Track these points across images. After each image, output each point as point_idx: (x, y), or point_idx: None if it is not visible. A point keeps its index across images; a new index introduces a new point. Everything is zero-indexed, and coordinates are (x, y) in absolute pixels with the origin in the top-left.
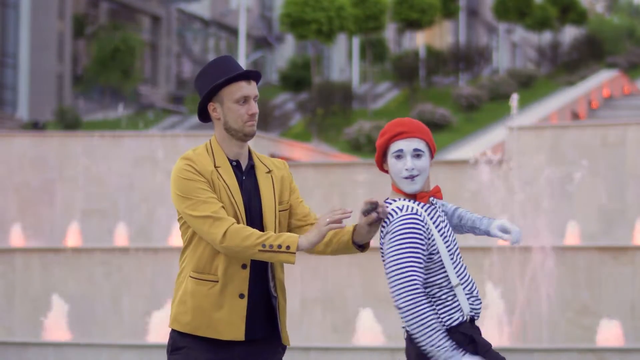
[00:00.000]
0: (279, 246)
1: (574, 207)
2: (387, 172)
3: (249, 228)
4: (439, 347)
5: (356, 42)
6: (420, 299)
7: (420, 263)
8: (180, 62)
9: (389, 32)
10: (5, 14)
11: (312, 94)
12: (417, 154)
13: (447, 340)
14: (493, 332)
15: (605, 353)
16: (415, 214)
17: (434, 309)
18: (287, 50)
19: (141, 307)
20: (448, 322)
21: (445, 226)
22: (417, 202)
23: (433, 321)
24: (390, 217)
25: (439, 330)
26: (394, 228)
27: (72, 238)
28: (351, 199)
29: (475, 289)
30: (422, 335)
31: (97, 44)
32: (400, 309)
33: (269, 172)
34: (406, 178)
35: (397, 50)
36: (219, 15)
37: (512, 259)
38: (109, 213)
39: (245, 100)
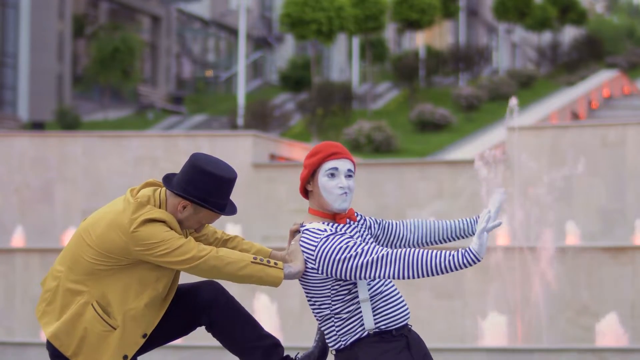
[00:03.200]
0: (268, 261)
1: (574, 207)
2: (305, 195)
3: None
4: (447, 260)
5: (356, 42)
6: (392, 254)
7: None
8: (180, 62)
9: (389, 32)
10: (5, 14)
11: (312, 94)
12: (349, 174)
13: (445, 253)
14: (493, 332)
15: (605, 353)
16: (335, 230)
17: (407, 248)
18: (287, 51)
19: None
20: (348, 340)
21: (364, 240)
22: (333, 225)
23: (419, 254)
24: (315, 237)
25: (430, 254)
26: (323, 244)
27: None
28: None
29: (397, 299)
30: (429, 269)
31: (97, 44)
32: (398, 276)
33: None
34: (341, 195)
35: (397, 50)
36: (219, 15)
37: (512, 259)
38: None
39: (209, 222)
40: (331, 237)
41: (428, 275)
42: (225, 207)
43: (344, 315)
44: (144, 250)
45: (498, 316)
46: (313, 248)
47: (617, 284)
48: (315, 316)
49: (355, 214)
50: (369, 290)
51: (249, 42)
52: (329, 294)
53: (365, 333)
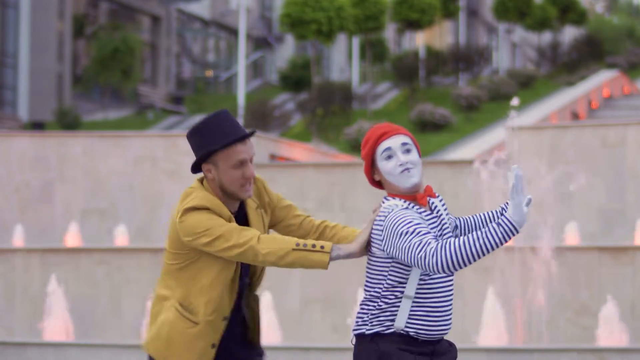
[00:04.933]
0: (313, 245)
1: (574, 207)
2: (378, 185)
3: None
4: (486, 240)
5: (356, 42)
6: (445, 247)
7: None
8: (180, 62)
9: (389, 32)
10: (5, 14)
11: (312, 94)
12: (406, 148)
13: (488, 230)
14: (493, 332)
15: (605, 353)
16: (410, 208)
17: (458, 239)
18: (287, 51)
19: (141, 307)
20: (372, 329)
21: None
22: (414, 206)
23: (467, 241)
24: (389, 209)
25: (475, 238)
26: (393, 218)
27: (72, 238)
28: (351, 199)
29: (443, 313)
30: (473, 254)
31: (97, 44)
32: (456, 265)
33: (258, 207)
34: (402, 172)
35: (397, 50)
36: (219, 15)
37: (513, 259)
38: (109, 213)
39: (241, 163)
40: (404, 210)
41: (470, 262)
42: (230, 136)
43: (386, 301)
44: (193, 240)
45: (498, 316)
46: (384, 218)
47: (617, 284)
48: (365, 294)
49: (436, 195)
50: (418, 289)
51: (249, 42)
52: (386, 274)
53: (391, 330)
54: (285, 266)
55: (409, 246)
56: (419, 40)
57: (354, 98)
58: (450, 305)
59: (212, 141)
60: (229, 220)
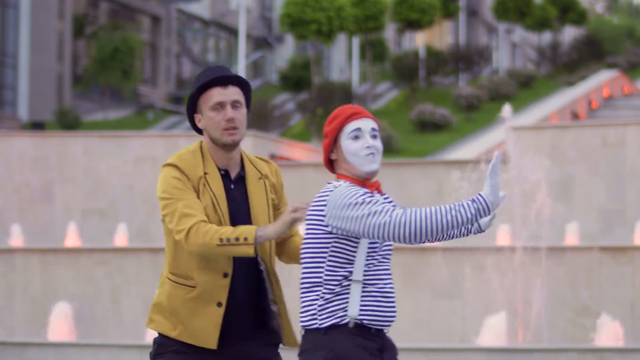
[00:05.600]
0: (237, 239)
1: (574, 207)
2: (330, 166)
3: (212, 225)
4: (458, 213)
5: (356, 42)
6: (415, 213)
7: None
8: (180, 62)
9: (389, 32)
10: (5, 14)
11: (312, 94)
12: (374, 134)
13: (461, 205)
14: (493, 332)
15: (605, 353)
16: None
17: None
18: (287, 51)
19: (141, 307)
20: (325, 322)
21: None
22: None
23: (439, 210)
24: (333, 187)
25: (447, 210)
26: (341, 192)
27: (72, 238)
28: None
29: (390, 298)
30: (443, 225)
31: (97, 44)
32: (422, 235)
33: (261, 177)
34: (368, 155)
35: (397, 50)
36: (219, 15)
37: (513, 259)
38: (109, 213)
39: (220, 106)
40: (353, 186)
41: (438, 235)
42: (207, 79)
43: (330, 291)
44: (159, 200)
45: (498, 316)
46: (328, 194)
47: (617, 284)
48: (304, 283)
49: (383, 193)
50: (365, 274)
51: (249, 42)
52: (325, 257)
53: (346, 321)
54: (215, 257)
55: (367, 213)
56: (419, 40)
57: (354, 98)
58: (394, 291)
59: (194, 88)
60: (198, 182)
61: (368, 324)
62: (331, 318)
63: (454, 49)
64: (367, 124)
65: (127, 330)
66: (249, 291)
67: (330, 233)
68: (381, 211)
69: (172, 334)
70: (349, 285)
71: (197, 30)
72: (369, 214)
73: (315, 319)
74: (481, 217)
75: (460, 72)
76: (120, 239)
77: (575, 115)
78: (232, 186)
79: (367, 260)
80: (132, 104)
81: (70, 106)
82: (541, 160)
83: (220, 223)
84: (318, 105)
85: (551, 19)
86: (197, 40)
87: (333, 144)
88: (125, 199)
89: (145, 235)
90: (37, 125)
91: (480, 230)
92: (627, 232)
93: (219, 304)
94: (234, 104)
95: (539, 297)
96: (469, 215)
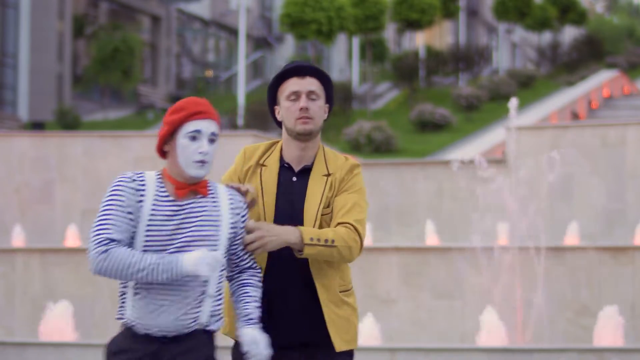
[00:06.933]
0: None
1: (574, 207)
2: (163, 155)
3: None
4: (150, 274)
5: (356, 42)
6: (105, 250)
7: (115, 218)
8: (180, 62)
9: (389, 32)
10: (5, 14)
11: None
12: (212, 138)
13: (153, 264)
14: (493, 332)
15: (605, 353)
16: (126, 176)
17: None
18: (287, 51)
19: None
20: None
21: (179, 225)
22: (164, 188)
23: (130, 262)
24: None
25: (139, 262)
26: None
27: (72, 238)
28: None
29: (186, 308)
30: (134, 275)
31: (97, 44)
32: (98, 271)
33: (327, 175)
34: (197, 162)
35: (397, 50)
36: (219, 15)
37: (512, 259)
38: None
39: (295, 96)
40: (109, 195)
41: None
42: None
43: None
44: None
45: (498, 316)
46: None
47: (617, 284)
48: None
49: (210, 188)
50: (138, 282)
51: (249, 42)
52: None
53: (124, 320)
54: None
55: (92, 227)
56: (419, 40)
57: (354, 98)
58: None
59: (272, 79)
60: (248, 168)
61: (136, 331)
62: (121, 318)
63: (454, 49)
64: (208, 127)
65: None
66: (290, 284)
67: None
68: (93, 238)
69: (225, 330)
70: (126, 287)
71: (197, 30)
72: (91, 230)
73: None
74: (170, 275)
75: (460, 72)
76: None
77: (575, 115)
78: (295, 179)
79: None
80: (132, 104)
81: (70, 106)
82: (541, 160)
83: (257, 215)
84: None
85: (551, 19)
86: (197, 40)
87: (169, 137)
88: None
89: None
90: (37, 125)
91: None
92: (627, 232)
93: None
94: (310, 95)
95: (539, 297)
96: (160, 279)
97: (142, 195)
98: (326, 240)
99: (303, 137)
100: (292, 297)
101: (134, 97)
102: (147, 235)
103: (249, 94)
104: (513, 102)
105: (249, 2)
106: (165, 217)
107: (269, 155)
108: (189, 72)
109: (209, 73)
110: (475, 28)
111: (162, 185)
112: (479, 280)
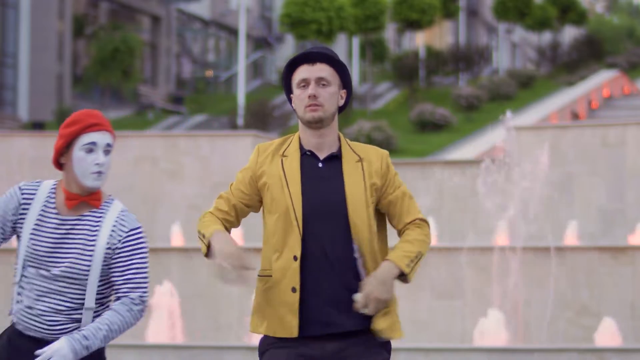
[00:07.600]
0: (203, 235)
1: (574, 207)
2: (60, 167)
3: (211, 216)
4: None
5: (356, 42)
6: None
7: None
8: (180, 62)
9: (389, 32)
10: (5, 14)
11: None
12: (107, 149)
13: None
14: (493, 332)
15: (605, 353)
16: (18, 185)
17: None
18: (287, 51)
19: None
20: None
21: (59, 244)
22: (54, 201)
23: None
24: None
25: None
26: None
27: None
28: None
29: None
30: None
31: (97, 44)
32: None
33: (359, 160)
34: (93, 173)
35: (397, 50)
36: (219, 15)
37: (512, 259)
38: None
39: (305, 83)
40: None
41: None
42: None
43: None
44: None
45: (498, 316)
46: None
47: (617, 284)
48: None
49: (107, 202)
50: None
51: (249, 42)
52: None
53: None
54: None
55: None
56: (419, 40)
57: (354, 98)
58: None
59: (284, 68)
60: (272, 156)
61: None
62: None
63: (454, 49)
64: (103, 139)
65: (127, 330)
66: (329, 274)
67: None
68: None
69: (261, 330)
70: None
71: (197, 30)
72: None
73: None
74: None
75: (460, 72)
76: None
77: (575, 115)
78: (321, 165)
79: (35, 265)
80: (132, 104)
81: (70, 106)
82: (541, 160)
83: (286, 207)
84: None
85: (551, 19)
86: (197, 40)
87: (65, 149)
88: (125, 199)
89: (145, 235)
90: (37, 125)
91: None
92: (627, 232)
93: (293, 290)
94: (319, 81)
95: (539, 297)
96: None
97: (26, 205)
98: (417, 255)
99: (314, 124)
100: (327, 288)
101: (134, 97)
102: (29, 247)
103: (249, 94)
104: (508, 116)
105: (249, 2)
106: (47, 230)
107: (287, 146)
108: (189, 72)
109: (209, 73)
110: (475, 28)
111: (53, 196)
112: (479, 280)
